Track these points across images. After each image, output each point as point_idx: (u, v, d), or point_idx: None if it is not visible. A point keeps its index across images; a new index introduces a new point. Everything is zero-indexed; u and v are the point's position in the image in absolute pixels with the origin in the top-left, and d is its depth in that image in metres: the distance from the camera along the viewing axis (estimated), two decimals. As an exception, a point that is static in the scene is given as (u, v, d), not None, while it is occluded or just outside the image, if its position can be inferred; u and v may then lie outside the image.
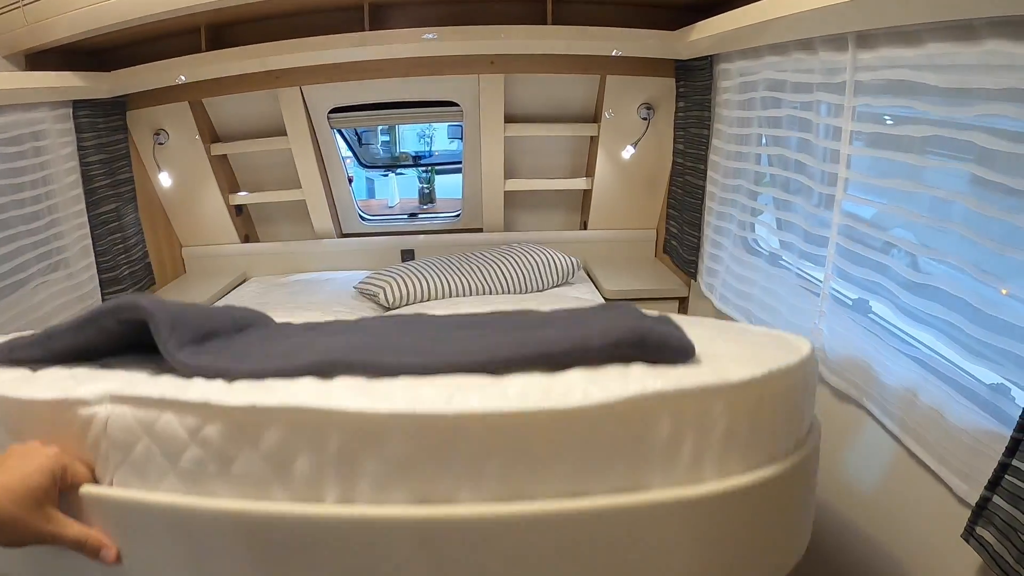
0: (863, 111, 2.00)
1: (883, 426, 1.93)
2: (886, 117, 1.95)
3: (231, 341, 1.36)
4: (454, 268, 3.49)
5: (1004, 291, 1.54)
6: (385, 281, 3.37)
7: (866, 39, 1.89)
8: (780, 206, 2.55)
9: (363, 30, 3.10)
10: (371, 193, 7.55)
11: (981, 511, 1.41)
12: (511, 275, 3.50)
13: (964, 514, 1.53)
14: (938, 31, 1.61)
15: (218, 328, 1.39)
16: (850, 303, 2.17)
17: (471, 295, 3.41)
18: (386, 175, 7.51)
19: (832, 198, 2.13)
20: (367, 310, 3.32)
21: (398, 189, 6.79)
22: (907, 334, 1.92)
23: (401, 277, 3.37)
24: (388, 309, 3.34)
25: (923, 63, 1.70)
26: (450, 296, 3.38)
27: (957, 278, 1.63)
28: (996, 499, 1.36)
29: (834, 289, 2.20)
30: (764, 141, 2.64)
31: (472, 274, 3.46)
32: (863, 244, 2.02)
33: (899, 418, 1.85)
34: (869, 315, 2.09)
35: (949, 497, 1.65)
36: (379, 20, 3.18)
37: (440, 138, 7.69)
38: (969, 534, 1.44)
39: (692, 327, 1.20)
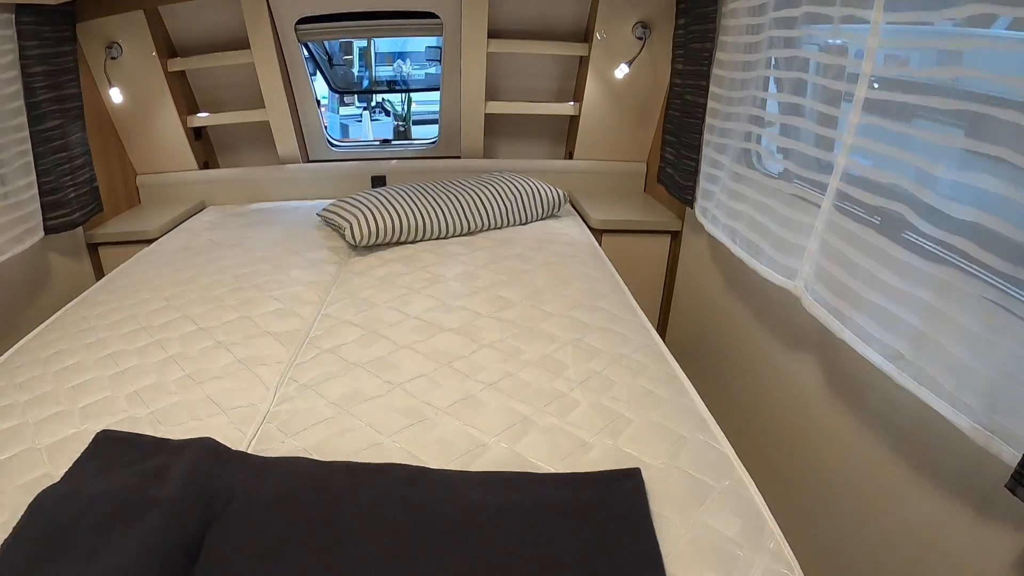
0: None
1: (874, 365, 1.76)
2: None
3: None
4: (430, 198, 3.17)
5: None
6: (352, 213, 3.03)
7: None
8: (786, 110, 2.36)
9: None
10: (345, 132, 7.34)
11: None
12: (493, 206, 3.23)
13: (987, 462, 1.40)
14: None
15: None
16: (874, 219, 1.92)
17: (450, 234, 3.13)
18: (359, 120, 7.33)
19: (852, 96, 1.90)
20: (327, 252, 3.01)
21: (372, 129, 6.58)
22: (930, 241, 1.66)
23: (370, 209, 3.03)
24: (355, 247, 3.04)
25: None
26: (426, 236, 3.08)
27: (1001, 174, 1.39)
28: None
29: (840, 201, 1.99)
30: (776, 43, 2.42)
31: (450, 205, 3.15)
32: (885, 144, 1.78)
33: (894, 351, 1.68)
34: (901, 232, 1.84)
35: (963, 444, 1.46)
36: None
37: (415, 78, 7.49)
38: (1018, 483, 1.23)
39: None
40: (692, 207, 3.09)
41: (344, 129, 7.42)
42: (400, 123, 5.20)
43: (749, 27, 2.56)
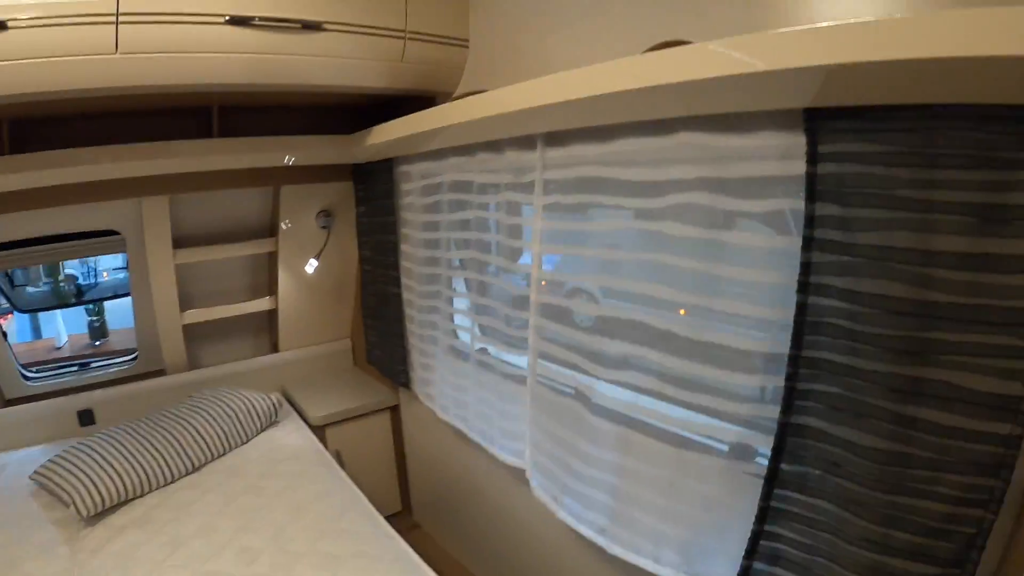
0: (553, 209, 1.97)
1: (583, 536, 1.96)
2: (577, 215, 1.93)
3: None
4: (147, 442, 2.91)
5: (682, 311, 1.58)
6: (71, 484, 2.66)
7: (556, 137, 1.87)
8: (479, 311, 2.48)
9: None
10: (36, 333, 6.79)
11: None
12: (211, 434, 3.04)
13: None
14: (629, 127, 1.61)
15: None
16: (561, 415, 2.09)
17: (176, 476, 2.87)
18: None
19: (527, 299, 2.11)
20: (53, 529, 2.57)
21: (64, 327, 6.21)
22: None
23: (88, 476, 2.69)
24: (85, 519, 2.63)
25: (614, 159, 1.69)
26: (153, 487, 2.80)
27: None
28: (757, 565, 1.42)
29: (536, 399, 2.17)
30: (454, 245, 2.58)
31: (168, 445, 2.91)
32: (566, 330, 2.00)
33: (598, 524, 1.91)
34: (583, 420, 2.01)
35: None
36: (19, 143, 2.70)
37: (106, 263, 7.14)
38: None
39: None
40: (410, 388, 3.15)
41: (33, 321, 6.89)
42: (94, 319, 4.92)
43: (427, 224, 2.68)
